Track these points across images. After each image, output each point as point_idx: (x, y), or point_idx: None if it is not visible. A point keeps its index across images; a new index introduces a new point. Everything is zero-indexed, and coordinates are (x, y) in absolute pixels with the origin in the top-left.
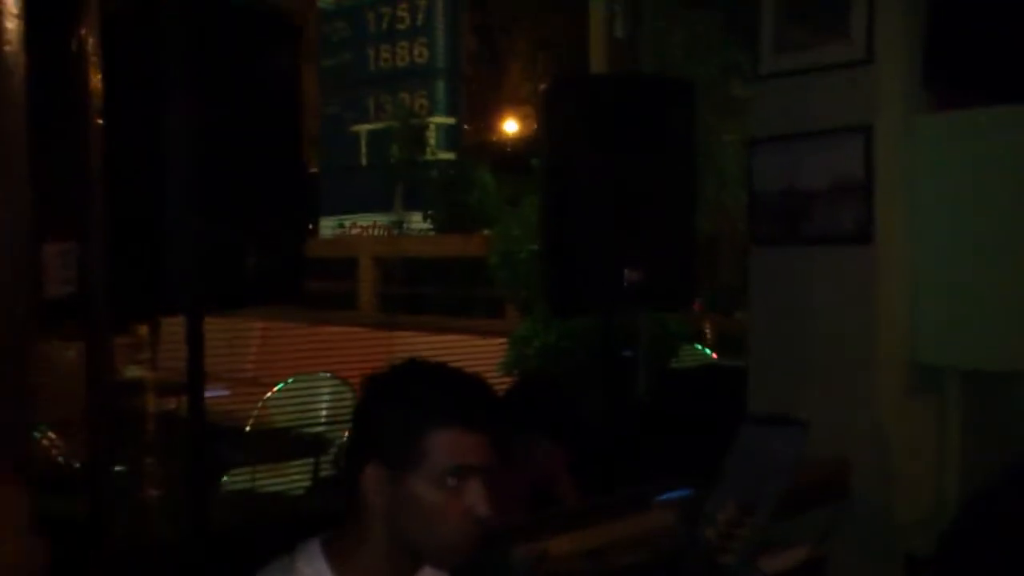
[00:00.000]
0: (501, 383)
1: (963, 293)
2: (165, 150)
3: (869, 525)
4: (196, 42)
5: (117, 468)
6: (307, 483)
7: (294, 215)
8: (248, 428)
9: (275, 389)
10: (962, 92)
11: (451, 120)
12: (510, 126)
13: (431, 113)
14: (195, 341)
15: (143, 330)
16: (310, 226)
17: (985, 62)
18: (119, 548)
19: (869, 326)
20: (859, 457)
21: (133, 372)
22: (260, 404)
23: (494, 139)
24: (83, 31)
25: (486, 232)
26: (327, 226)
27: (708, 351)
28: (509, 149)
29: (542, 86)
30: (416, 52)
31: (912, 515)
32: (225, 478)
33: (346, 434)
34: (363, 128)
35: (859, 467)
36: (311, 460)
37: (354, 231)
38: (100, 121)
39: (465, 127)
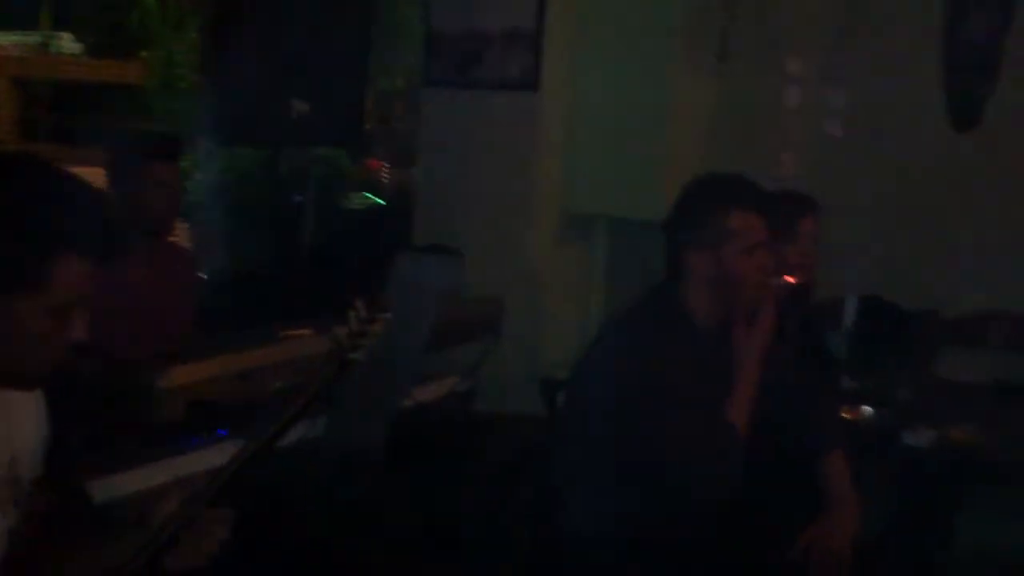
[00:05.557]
0: None
1: (612, 143)
2: None
3: (517, 359)
4: None
5: None
6: None
7: None
8: None
9: None
10: None
11: None
12: None
13: None
14: None
15: None
16: None
17: None
18: None
19: (528, 173)
20: (512, 297)
21: None
22: None
23: None
24: None
25: (144, 54)
26: None
27: (378, 199)
28: None
29: None
30: None
31: (558, 353)
32: None
33: None
34: None
35: (512, 306)
36: None
37: None
38: None
39: None
